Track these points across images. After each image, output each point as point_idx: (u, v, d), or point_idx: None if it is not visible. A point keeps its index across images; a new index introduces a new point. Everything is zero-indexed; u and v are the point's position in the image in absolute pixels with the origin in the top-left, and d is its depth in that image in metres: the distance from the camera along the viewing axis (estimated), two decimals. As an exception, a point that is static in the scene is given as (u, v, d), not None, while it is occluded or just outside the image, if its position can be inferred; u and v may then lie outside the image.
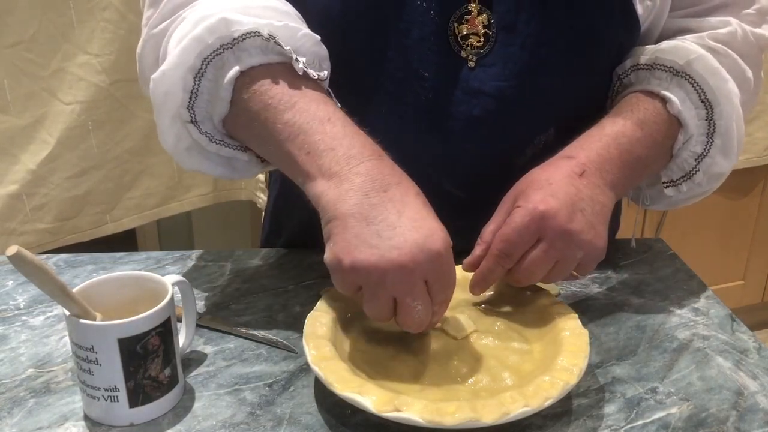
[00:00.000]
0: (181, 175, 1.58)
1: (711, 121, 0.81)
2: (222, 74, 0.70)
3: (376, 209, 0.65)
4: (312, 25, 0.77)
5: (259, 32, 0.69)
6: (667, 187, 0.86)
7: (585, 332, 0.71)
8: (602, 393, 0.71)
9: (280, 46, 0.69)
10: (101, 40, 1.37)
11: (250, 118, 0.71)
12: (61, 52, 1.35)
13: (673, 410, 0.69)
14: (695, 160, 0.83)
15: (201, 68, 0.70)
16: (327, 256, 0.67)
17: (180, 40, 0.70)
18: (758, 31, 0.86)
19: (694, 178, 0.85)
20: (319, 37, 0.74)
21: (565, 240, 0.72)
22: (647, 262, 0.93)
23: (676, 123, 0.81)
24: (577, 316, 0.74)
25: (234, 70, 0.69)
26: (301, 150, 0.68)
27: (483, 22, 0.79)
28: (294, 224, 1.00)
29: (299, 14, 0.76)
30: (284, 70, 0.70)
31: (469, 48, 0.80)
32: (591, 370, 0.73)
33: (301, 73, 0.70)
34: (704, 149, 0.83)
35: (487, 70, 0.81)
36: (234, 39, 0.69)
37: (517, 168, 0.81)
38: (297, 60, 0.70)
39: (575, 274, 0.76)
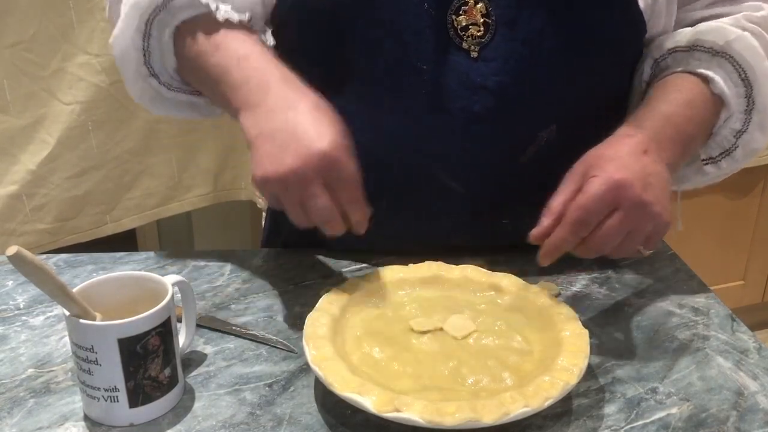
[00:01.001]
0: (181, 176, 1.58)
1: (750, 99, 0.84)
2: (163, 31, 0.80)
3: (277, 126, 0.72)
4: (303, 20, 0.83)
5: None
6: (707, 164, 0.88)
7: (585, 332, 0.71)
8: (602, 393, 0.71)
9: (200, 0, 0.78)
10: (101, 40, 1.37)
11: (191, 66, 0.81)
12: (61, 52, 1.35)
13: (673, 410, 0.69)
14: (734, 136, 0.86)
15: (145, 29, 0.80)
16: (251, 178, 0.74)
17: (125, 6, 0.80)
18: None
19: (733, 155, 0.87)
20: None
21: (639, 210, 0.73)
22: (647, 262, 0.93)
23: (718, 101, 0.83)
24: (577, 316, 0.74)
25: (170, 27, 0.80)
26: (227, 87, 0.77)
27: (481, 11, 0.80)
28: (295, 229, 1.00)
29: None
30: (209, 20, 0.79)
31: (470, 39, 0.81)
32: (591, 370, 0.73)
33: (222, 20, 0.78)
34: (743, 126, 0.85)
35: (489, 65, 0.81)
36: (162, 1, 0.78)
37: (519, 165, 0.82)
38: (218, 9, 0.78)
39: (641, 249, 0.77)
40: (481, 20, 0.80)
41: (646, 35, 0.87)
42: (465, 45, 0.81)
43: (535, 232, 0.76)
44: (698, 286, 0.89)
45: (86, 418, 0.67)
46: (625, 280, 0.89)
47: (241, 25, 0.80)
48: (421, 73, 0.81)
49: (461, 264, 0.83)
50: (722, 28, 0.83)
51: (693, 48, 0.84)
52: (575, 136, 0.82)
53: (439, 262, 0.83)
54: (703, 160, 0.88)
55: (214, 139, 1.57)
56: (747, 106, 0.84)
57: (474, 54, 0.81)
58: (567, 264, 0.91)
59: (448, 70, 0.81)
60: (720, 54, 0.83)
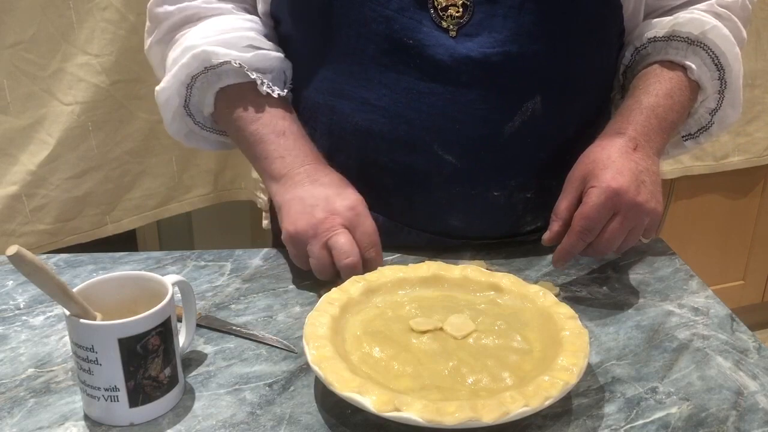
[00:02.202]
0: (181, 176, 1.58)
1: (722, 80, 0.93)
2: (207, 88, 0.91)
3: (309, 191, 0.86)
4: (293, 4, 0.90)
5: (231, 62, 0.88)
6: (686, 140, 0.99)
7: (585, 332, 0.71)
8: (602, 393, 0.71)
9: (248, 73, 0.89)
10: (101, 41, 1.37)
11: (227, 122, 0.94)
12: (61, 53, 1.35)
13: (673, 410, 0.69)
14: (710, 114, 0.96)
15: (191, 82, 0.91)
16: (282, 234, 0.86)
17: (174, 62, 0.91)
18: None
19: (710, 131, 0.98)
20: (283, 56, 0.94)
21: (635, 211, 0.82)
22: (647, 262, 0.93)
23: (695, 86, 0.92)
24: (577, 316, 0.74)
25: (214, 88, 0.91)
26: (261, 155, 0.90)
27: None
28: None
29: (265, 30, 0.95)
30: (252, 89, 0.90)
31: (449, 18, 0.85)
32: (591, 370, 0.73)
33: (264, 93, 0.90)
34: (717, 104, 0.95)
35: (474, 39, 0.85)
36: (213, 65, 0.89)
37: (506, 135, 0.87)
38: (262, 83, 0.90)
39: (642, 239, 0.87)
40: (460, 1, 0.85)
41: (624, 20, 0.92)
42: (444, 24, 0.85)
43: (546, 237, 0.85)
44: (698, 286, 0.89)
45: (86, 417, 0.67)
46: (625, 280, 0.89)
47: (279, 100, 0.91)
48: (409, 47, 0.85)
49: (461, 264, 0.83)
50: (697, 20, 0.90)
51: (671, 38, 0.91)
52: (560, 108, 0.89)
53: (439, 262, 0.83)
54: (683, 136, 0.98)
55: (214, 140, 1.57)
56: (720, 87, 0.93)
57: (452, 33, 0.85)
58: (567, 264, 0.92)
59: (434, 43, 0.85)
60: (696, 43, 0.91)
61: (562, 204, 0.84)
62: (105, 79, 1.40)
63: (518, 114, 0.87)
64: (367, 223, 0.84)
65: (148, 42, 0.97)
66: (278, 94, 0.91)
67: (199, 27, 0.92)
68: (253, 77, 0.89)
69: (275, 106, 0.91)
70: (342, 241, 0.82)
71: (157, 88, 0.93)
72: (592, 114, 0.96)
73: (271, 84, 0.91)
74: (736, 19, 0.94)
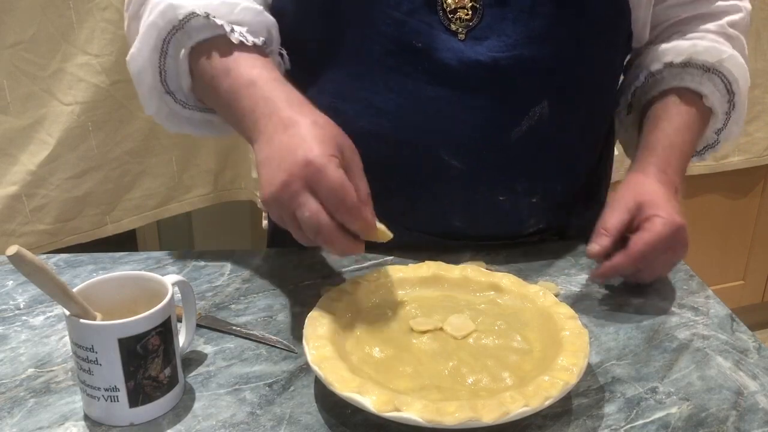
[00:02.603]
0: (181, 176, 1.58)
1: (731, 103, 0.96)
2: (179, 51, 0.82)
3: (275, 150, 0.72)
4: (300, 3, 0.87)
5: (196, 13, 0.79)
6: (693, 156, 0.98)
7: (585, 332, 0.71)
8: (602, 393, 0.71)
9: (215, 21, 0.79)
10: (101, 41, 1.37)
11: (204, 87, 0.83)
12: (61, 53, 1.35)
13: (673, 410, 0.69)
14: (716, 133, 0.99)
15: (162, 47, 0.82)
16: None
17: (143, 26, 0.82)
18: (748, 5, 0.99)
19: (715, 147, 1.01)
20: (260, 8, 0.84)
21: (683, 251, 0.85)
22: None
23: (708, 112, 0.95)
24: (577, 316, 0.74)
25: (186, 47, 0.81)
26: (237, 114, 0.78)
27: None
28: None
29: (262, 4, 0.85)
30: (224, 42, 0.80)
31: (458, 21, 0.84)
32: (591, 370, 0.73)
33: (237, 42, 0.79)
34: (723, 124, 0.98)
35: (482, 43, 0.84)
36: (179, 21, 0.80)
37: (513, 140, 0.86)
38: (233, 31, 0.79)
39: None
40: (469, 4, 0.84)
41: (631, 24, 0.93)
42: (453, 27, 0.84)
43: (594, 250, 0.83)
44: (698, 286, 0.89)
45: (86, 418, 0.67)
46: (625, 280, 0.89)
47: (254, 48, 0.81)
48: (417, 50, 0.84)
49: (461, 264, 0.83)
50: (715, 48, 0.93)
51: (687, 64, 0.93)
52: (566, 112, 0.88)
53: (439, 262, 0.83)
54: None
55: (214, 139, 1.57)
56: (729, 108, 0.96)
57: (461, 36, 0.84)
58: (567, 264, 0.92)
59: (443, 47, 0.84)
60: (711, 70, 0.93)
61: (613, 220, 0.83)
62: (105, 79, 1.39)
63: (526, 118, 0.86)
64: (330, 178, 0.68)
65: (125, 22, 0.89)
66: (253, 42, 0.80)
67: None
68: (220, 24, 0.79)
69: (247, 54, 0.80)
70: (305, 214, 0.69)
71: (127, 57, 0.84)
72: (597, 118, 0.96)
73: (244, 33, 0.80)
74: (743, 38, 0.96)
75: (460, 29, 0.84)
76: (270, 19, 0.85)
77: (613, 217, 0.84)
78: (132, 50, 0.83)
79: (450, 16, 0.83)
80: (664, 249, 0.82)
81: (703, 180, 2.00)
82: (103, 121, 1.43)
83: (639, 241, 0.82)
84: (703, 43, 0.93)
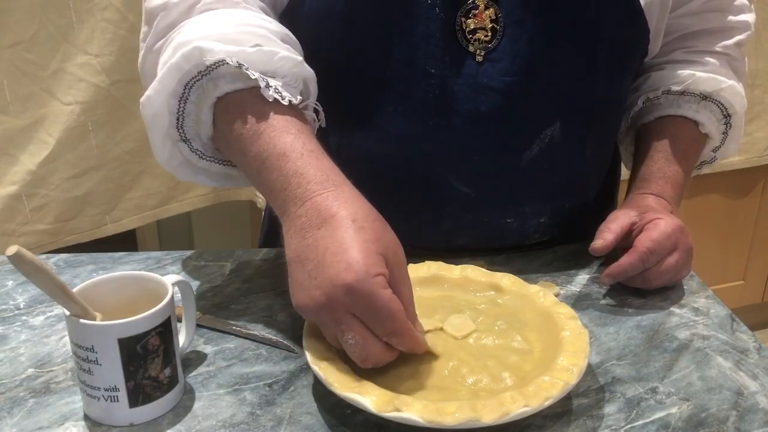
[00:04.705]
0: (181, 176, 1.58)
1: (728, 125, 0.97)
2: (203, 98, 0.72)
3: (309, 249, 0.65)
4: (312, 24, 0.81)
5: (227, 62, 0.70)
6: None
7: (585, 332, 0.71)
8: (602, 393, 0.71)
9: (249, 73, 0.70)
10: (101, 41, 1.37)
11: (228, 145, 0.74)
12: (61, 53, 1.35)
13: (673, 410, 0.69)
14: (713, 151, 1.00)
15: (183, 93, 0.72)
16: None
17: (163, 65, 0.73)
18: (753, 18, 0.98)
19: (712, 164, 1.04)
20: (300, 58, 0.74)
21: (689, 254, 0.86)
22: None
23: (704, 137, 0.97)
24: (577, 316, 0.74)
25: (211, 97, 0.72)
26: (265, 187, 0.70)
27: (490, 17, 0.81)
28: None
29: (286, 31, 0.77)
30: (255, 96, 0.71)
31: (476, 42, 0.81)
32: (591, 370, 0.73)
33: (271, 100, 0.70)
34: (720, 143, 0.99)
35: (495, 65, 0.82)
36: (207, 67, 0.70)
37: (523, 163, 0.84)
38: (268, 86, 0.70)
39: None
40: (490, 25, 0.81)
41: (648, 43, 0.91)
42: (471, 48, 0.81)
43: (599, 245, 0.84)
44: (698, 286, 0.89)
45: (86, 418, 0.67)
46: (626, 281, 0.89)
47: (290, 108, 0.72)
48: (429, 76, 0.81)
49: (461, 264, 0.83)
50: (713, 79, 0.93)
51: (684, 93, 0.94)
52: (578, 133, 0.87)
53: (439, 262, 0.83)
54: None
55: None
56: (725, 130, 0.97)
57: (479, 58, 0.82)
58: (567, 264, 0.92)
59: (456, 72, 0.82)
60: (708, 98, 0.94)
61: (617, 221, 0.85)
62: (105, 79, 1.40)
63: (537, 141, 0.85)
64: (378, 306, 0.62)
65: (141, 53, 0.80)
66: (289, 100, 0.71)
67: (198, 19, 0.75)
68: (254, 77, 0.70)
69: (282, 116, 0.71)
70: (350, 342, 0.64)
71: (142, 99, 0.74)
72: (609, 135, 0.96)
73: (280, 88, 0.71)
74: (743, 56, 0.97)
75: (478, 51, 0.81)
76: (308, 70, 0.76)
77: (616, 218, 0.86)
78: (148, 92, 0.73)
79: (469, 36, 0.81)
80: (670, 247, 0.83)
81: (703, 180, 1.99)
82: (103, 121, 1.43)
83: (645, 238, 0.83)
84: (702, 73, 0.94)
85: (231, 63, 0.70)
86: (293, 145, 0.69)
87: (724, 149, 1.00)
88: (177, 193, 1.60)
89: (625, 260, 0.83)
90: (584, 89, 0.86)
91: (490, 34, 0.81)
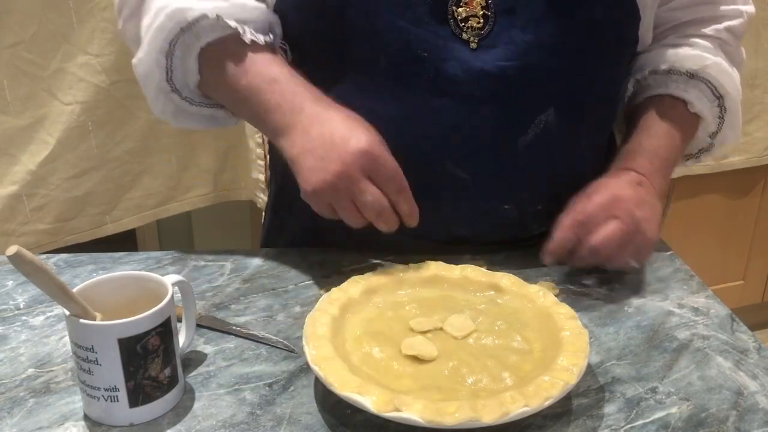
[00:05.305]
0: (181, 176, 1.58)
1: (722, 107, 0.95)
2: (187, 52, 0.83)
3: (315, 140, 0.77)
4: (307, 9, 0.86)
5: (207, 15, 0.80)
6: (688, 159, 1.02)
7: (585, 332, 0.71)
8: (602, 393, 0.71)
9: (226, 23, 0.81)
10: (101, 41, 1.37)
11: (216, 85, 0.85)
12: (61, 53, 1.35)
13: (673, 410, 0.69)
14: (710, 137, 0.99)
15: (170, 49, 0.82)
16: (300, 192, 0.79)
17: (148, 28, 0.83)
18: (750, 9, 0.98)
19: (711, 151, 1.02)
20: (264, 6, 0.86)
21: (633, 221, 0.83)
22: (647, 262, 0.93)
23: (696, 118, 0.96)
24: (577, 316, 0.74)
25: (195, 49, 0.82)
26: (260, 109, 0.81)
27: (481, 4, 0.83)
28: (296, 226, 1.01)
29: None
30: (236, 41, 0.82)
31: (469, 30, 0.83)
32: (591, 370, 0.73)
33: (249, 42, 0.82)
34: (717, 128, 0.98)
35: (490, 51, 0.83)
36: (189, 23, 0.80)
37: (519, 149, 0.86)
38: (244, 31, 0.81)
39: (630, 261, 0.86)
40: (481, 12, 0.83)
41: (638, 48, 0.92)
42: (465, 36, 0.83)
43: (547, 261, 0.87)
44: (698, 286, 0.89)
45: (86, 418, 0.67)
46: (625, 280, 0.89)
47: (266, 47, 0.83)
48: (423, 60, 0.83)
49: (461, 264, 0.83)
50: (698, 56, 0.93)
51: (671, 71, 0.94)
52: (573, 119, 0.88)
53: (439, 262, 0.83)
54: (685, 155, 1.01)
55: (214, 139, 1.57)
56: (720, 112, 0.96)
57: (473, 45, 0.83)
58: (567, 264, 0.92)
59: (450, 57, 0.83)
60: (695, 76, 0.93)
61: (567, 218, 0.86)
62: (105, 79, 1.40)
63: (532, 126, 0.86)
64: (388, 166, 0.77)
65: (120, 23, 0.90)
66: (264, 40, 0.83)
67: None
68: (233, 26, 0.81)
69: (262, 53, 0.83)
70: (368, 199, 0.76)
71: (134, 60, 0.85)
72: (604, 122, 0.96)
73: (253, 32, 0.83)
74: (738, 43, 0.96)
75: (471, 38, 0.83)
76: (273, 16, 0.87)
77: (566, 216, 0.86)
78: (139, 54, 0.84)
79: (462, 25, 0.82)
80: (601, 216, 0.83)
81: (703, 180, 2.00)
82: (103, 120, 1.43)
83: (576, 210, 0.85)
84: (687, 50, 0.94)
85: (211, 16, 0.80)
86: (281, 72, 0.82)
87: (721, 136, 0.99)
88: (177, 193, 1.60)
89: (558, 234, 0.85)
90: (577, 75, 0.87)
91: (482, 21, 0.83)
